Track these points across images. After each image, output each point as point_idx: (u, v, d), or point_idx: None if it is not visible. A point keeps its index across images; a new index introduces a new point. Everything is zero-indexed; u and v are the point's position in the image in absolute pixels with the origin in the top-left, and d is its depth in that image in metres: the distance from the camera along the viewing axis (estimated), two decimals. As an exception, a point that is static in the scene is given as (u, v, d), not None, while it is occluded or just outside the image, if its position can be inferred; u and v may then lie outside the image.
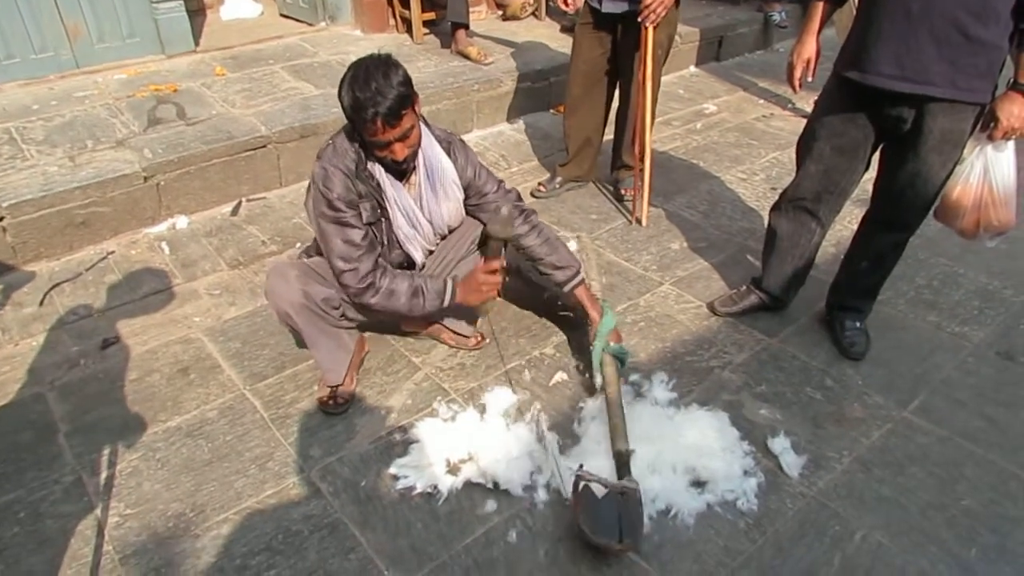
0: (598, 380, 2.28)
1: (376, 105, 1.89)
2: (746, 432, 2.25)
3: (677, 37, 3.94)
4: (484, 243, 2.30)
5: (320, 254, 2.24)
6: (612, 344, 2.31)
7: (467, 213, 2.36)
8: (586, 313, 2.42)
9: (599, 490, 1.89)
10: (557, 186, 3.64)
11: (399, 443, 2.22)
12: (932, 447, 2.23)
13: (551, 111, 4.58)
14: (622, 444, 2.04)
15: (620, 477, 1.98)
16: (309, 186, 2.14)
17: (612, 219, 3.47)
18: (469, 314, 2.55)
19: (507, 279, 2.37)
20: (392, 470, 2.12)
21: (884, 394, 2.43)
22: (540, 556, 1.89)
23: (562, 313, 2.68)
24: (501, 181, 2.36)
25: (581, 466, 1.97)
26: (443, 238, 2.38)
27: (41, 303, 2.82)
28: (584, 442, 2.19)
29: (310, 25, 5.07)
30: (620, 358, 2.32)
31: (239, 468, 2.14)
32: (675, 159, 4.05)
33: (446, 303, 2.21)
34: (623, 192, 3.59)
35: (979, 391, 2.45)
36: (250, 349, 2.61)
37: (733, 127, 4.48)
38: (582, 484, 1.90)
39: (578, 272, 2.39)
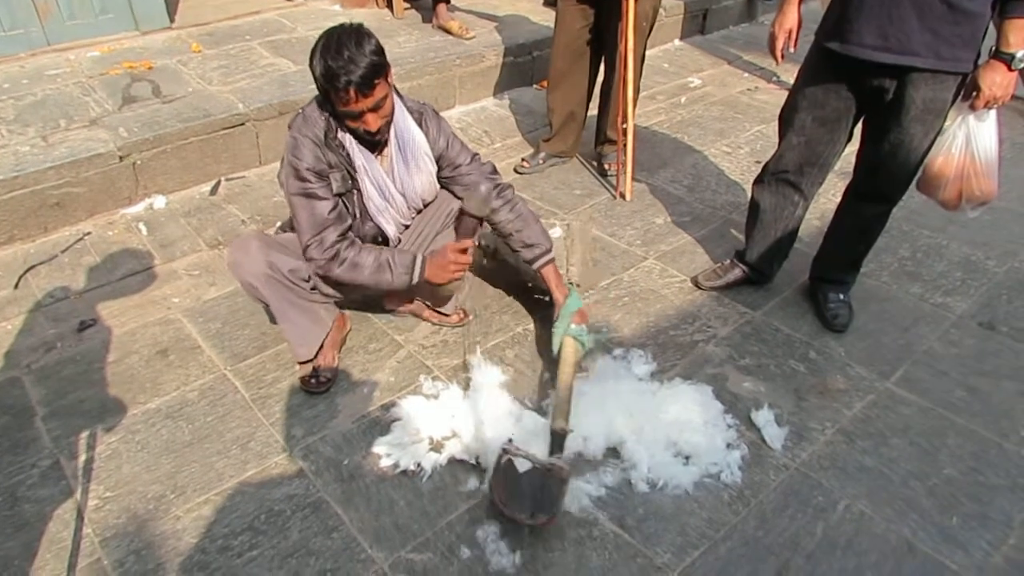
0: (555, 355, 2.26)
1: (349, 73, 1.86)
2: (730, 405, 2.25)
3: (662, 10, 3.89)
4: (458, 220, 2.28)
5: (294, 230, 2.20)
6: (574, 326, 2.27)
7: (441, 186, 2.33)
8: (552, 294, 2.39)
9: (522, 465, 1.89)
10: (540, 162, 3.61)
11: (382, 421, 2.20)
12: (914, 417, 2.24)
13: (534, 86, 4.53)
14: (560, 423, 2.02)
15: (551, 454, 1.97)
16: (282, 159, 2.10)
17: (596, 194, 3.45)
18: (443, 296, 2.51)
19: (481, 260, 2.35)
20: (375, 448, 2.11)
21: (867, 365, 2.43)
22: (524, 532, 1.88)
23: (536, 296, 2.66)
24: (476, 154, 2.32)
25: (510, 440, 1.96)
26: (418, 212, 2.35)
27: (16, 286, 2.77)
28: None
29: (288, 0, 4.98)
30: (580, 341, 2.27)
31: (220, 449, 2.12)
32: (659, 133, 4.02)
33: (415, 279, 2.17)
34: (607, 167, 3.56)
35: (961, 361, 2.46)
36: (230, 329, 2.58)
37: (718, 101, 4.45)
38: (505, 458, 1.90)
39: (547, 251, 2.36)
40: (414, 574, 1.79)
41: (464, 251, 2.18)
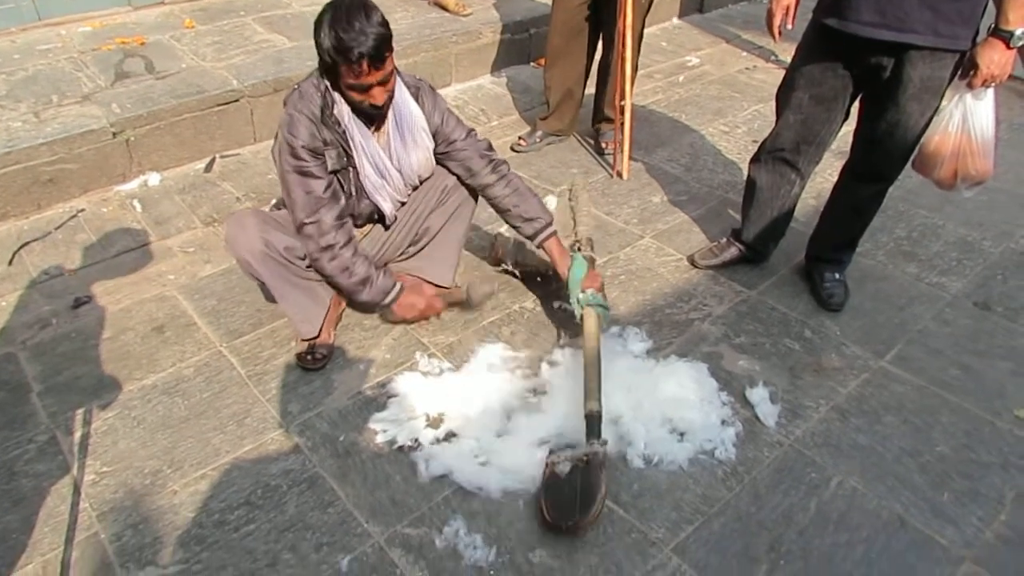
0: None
1: (361, 45, 1.85)
2: (724, 383, 2.26)
3: (659, -13, 3.87)
4: (457, 287, 2.47)
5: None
6: (587, 294, 2.23)
7: (436, 162, 2.31)
8: (556, 268, 2.37)
9: (563, 470, 1.89)
10: (537, 140, 3.59)
11: (378, 398, 2.21)
12: (908, 396, 2.26)
13: (532, 64, 4.49)
14: (593, 405, 1.99)
15: (588, 439, 1.95)
16: (276, 134, 2.09)
17: (593, 173, 3.44)
18: (445, 269, 2.52)
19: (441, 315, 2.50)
20: (371, 424, 2.11)
21: (862, 344, 2.44)
22: (519, 507, 1.90)
23: (538, 279, 2.65)
24: (471, 130, 2.31)
25: (551, 451, 1.96)
26: (414, 189, 2.34)
27: (10, 262, 2.76)
28: (552, 399, 2.17)
29: (283, -24, 4.92)
30: (599, 306, 2.24)
31: (216, 425, 2.12)
32: (657, 112, 4.01)
33: (386, 301, 2.24)
34: (604, 145, 3.55)
35: (955, 341, 2.47)
36: (226, 306, 2.57)
37: (716, 80, 4.43)
38: (548, 471, 1.90)
39: (548, 224, 2.34)
40: (410, 549, 1.80)
41: (435, 307, 2.37)
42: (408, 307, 2.31)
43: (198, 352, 2.38)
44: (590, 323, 2.20)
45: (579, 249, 2.41)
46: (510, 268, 2.66)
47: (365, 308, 2.47)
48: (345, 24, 1.84)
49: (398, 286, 2.24)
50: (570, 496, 1.83)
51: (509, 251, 2.65)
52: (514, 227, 2.37)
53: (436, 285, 2.53)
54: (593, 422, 1.97)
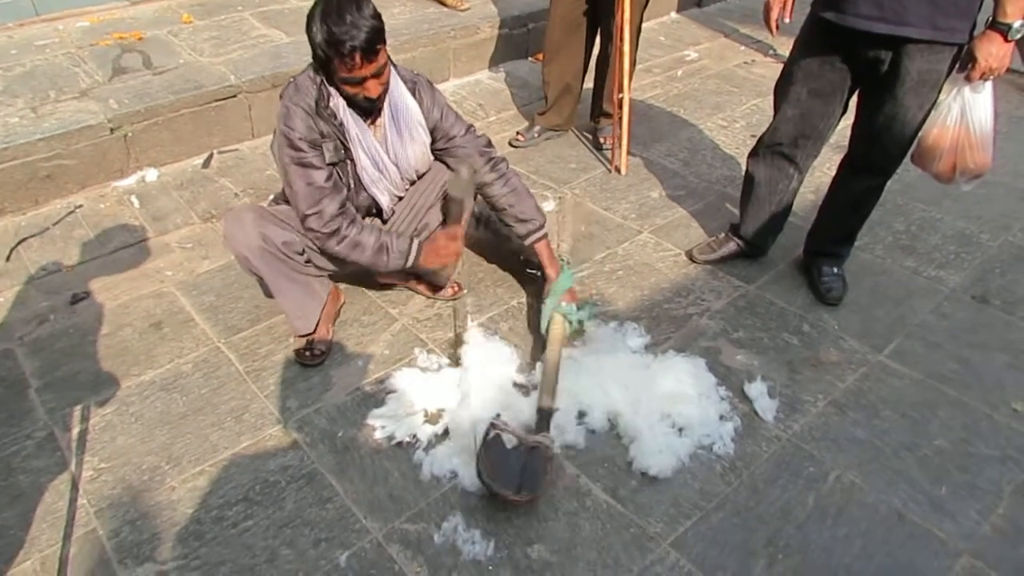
0: (543, 331, 2.27)
1: (353, 39, 1.84)
2: (723, 378, 2.26)
3: (657, -19, 3.86)
4: (445, 204, 2.28)
5: (288, 202, 2.19)
6: (564, 304, 2.27)
7: (435, 158, 2.31)
8: (544, 270, 2.38)
9: (509, 441, 1.91)
10: (536, 135, 3.58)
11: (376, 394, 2.21)
12: (906, 389, 2.26)
13: (530, 59, 4.48)
14: (547, 400, 2.04)
15: (538, 431, 1.98)
16: (275, 130, 2.08)
17: (591, 168, 3.43)
18: (440, 275, 2.50)
19: (473, 229, 2.35)
20: (370, 420, 2.11)
21: (860, 338, 2.44)
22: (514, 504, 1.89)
23: (529, 271, 2.63)
24: (470, 126, 2.30)
25: (498, 415, 1.97)
26: (412, 183, 2.33)
27: (8, 258, 2.75)
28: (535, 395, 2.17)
29: (280, -29, 4.90)
30: (569, 319, 2.28)
31: (215, 421, 2.12)
32: (655, 107, 4.00)
33: (410, 263, 2.19)
34: (602, 140, 3.54)
35: (954, 334, 2.47)
36: (224, 302, 2.57)
37: (714, 74, 4.42)
38: (492, 433, 1.91)
39: (541, 227, 2.34)
40: (408, 544, 1.80)
41: (455, 237, 2.21)
42: (434, 254, 2.21)
43: (196, 348, 2.38)
44: (556, 329, 2.23)
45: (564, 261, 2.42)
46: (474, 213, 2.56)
47: (409, 275, 2.48)
48: (336, 17, 1.84)
49: (415, 242, 2.19)
50: (514, 469, 1.86)
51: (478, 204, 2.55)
52: (507, 226, 2.36)
53: (432, 286, 2.53)
54: (543, 416, 2.01)
